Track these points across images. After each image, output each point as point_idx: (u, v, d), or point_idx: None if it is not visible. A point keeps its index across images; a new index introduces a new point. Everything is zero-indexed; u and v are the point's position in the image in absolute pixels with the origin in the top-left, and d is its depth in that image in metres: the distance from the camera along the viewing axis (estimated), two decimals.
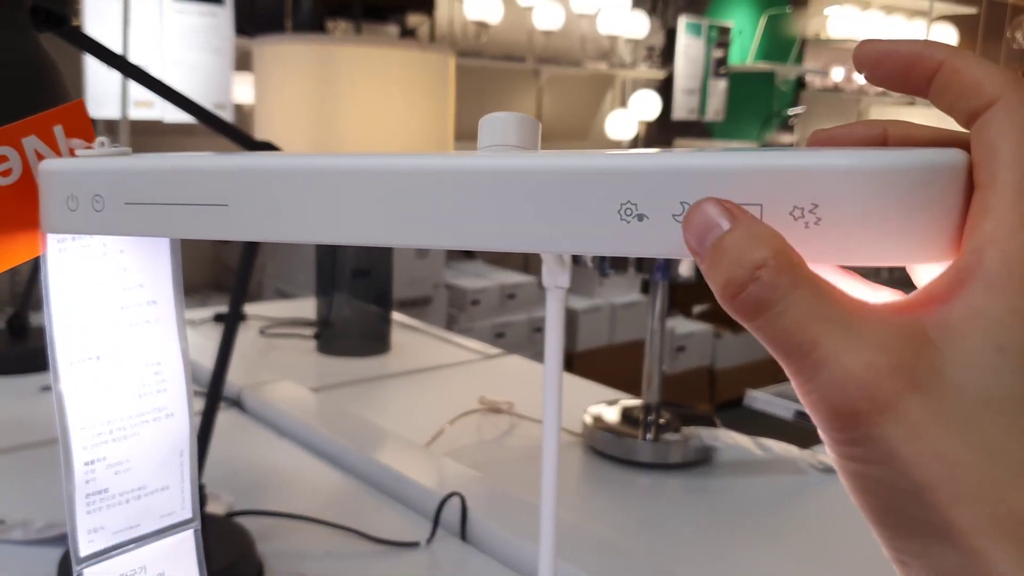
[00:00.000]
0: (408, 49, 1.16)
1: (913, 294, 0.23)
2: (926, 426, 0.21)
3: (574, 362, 3.23)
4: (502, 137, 0.28)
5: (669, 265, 0.89)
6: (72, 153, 0.31)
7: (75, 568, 0.32)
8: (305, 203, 0.26)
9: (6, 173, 0.30)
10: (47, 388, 1.08)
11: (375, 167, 0.26)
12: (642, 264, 0.90)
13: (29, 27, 0.51)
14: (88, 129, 0.32)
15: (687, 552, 0.76)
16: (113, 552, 0.33)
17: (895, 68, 0.24)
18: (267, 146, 0.72)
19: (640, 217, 0.24)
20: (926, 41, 0.24)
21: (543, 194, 0.24)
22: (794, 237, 0.22)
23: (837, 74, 4.97)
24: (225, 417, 0.99)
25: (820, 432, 0.23)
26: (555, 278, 0.46)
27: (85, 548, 0.32)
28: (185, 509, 0.35)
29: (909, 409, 0.21)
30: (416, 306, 2.78)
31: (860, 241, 0.22)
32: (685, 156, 0.23)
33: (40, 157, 0.31)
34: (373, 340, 1.31)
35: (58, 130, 0.31)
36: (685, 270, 0.89)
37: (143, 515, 0.33)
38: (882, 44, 0.24)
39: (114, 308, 0.32)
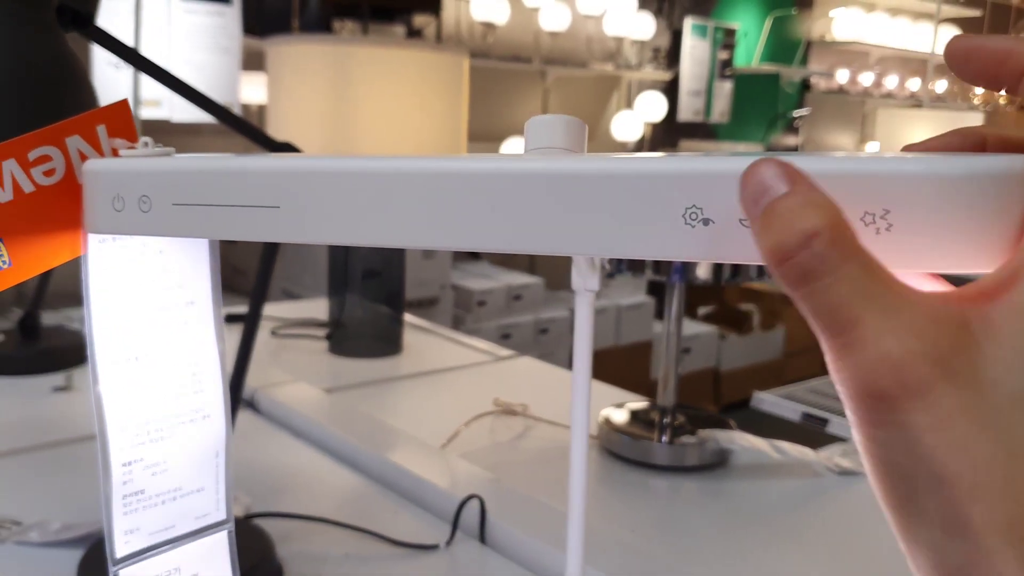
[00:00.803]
0: (422, 50, 1.15)
1: (964, 286, 0.23)
2: (954, 418, 0.21)
3: None
4: (549, 140, 0.28)
5: (687, 267, 0.89)
6: (115, 153, 0.31)
7: (111, 569, 0.32)
8: (361, 205, 0.26)
9: (50, 173, 0.30)
10: (59, 388, 1.08)
11: (434, 170, 0.25)
12: (659, 265, 0.90)
13: (56, 27, 0.51)
14: (131, 129, 0.31)
15: (706, 554, 0.76)
16: (149, 553, 0.33)
17: (986, 65, 0.24)
18: (287, 147, 0.72)
19: (705, 222, 0.23)
20: (1018, 37, 0.24)
21: (608, 198, 0.24)
22: (866, 243, 0.22)
23: (842, 76, 4.97)
24: (239, 418, 0.99)
25: (847, 410, 0.23)
26: (585, 281, 0.46)
27: (121, 549, 0.32)
28: (220, 511, 0.34)
29: (939, 399, 0.21)
30: (422, 307, 2.78)
31: (932, 247, 0.22)
32: (747, 161, 0.23)
33: (83, 157, 0.31)
34: (385, 341, 1.31)
35: (101, 130, 0.31)
36: (703, 272, 0.89)
37: (178, 516, 0.33)
38: (973, 40, 0.24)
39: (153, 309, 0.32)
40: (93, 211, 0.31)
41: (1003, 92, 0.24)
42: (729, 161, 0.23)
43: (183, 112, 2.19)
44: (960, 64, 0.24)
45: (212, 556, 0.34)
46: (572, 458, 0.53)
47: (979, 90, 5.50)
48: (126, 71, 1.70)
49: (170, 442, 0.33)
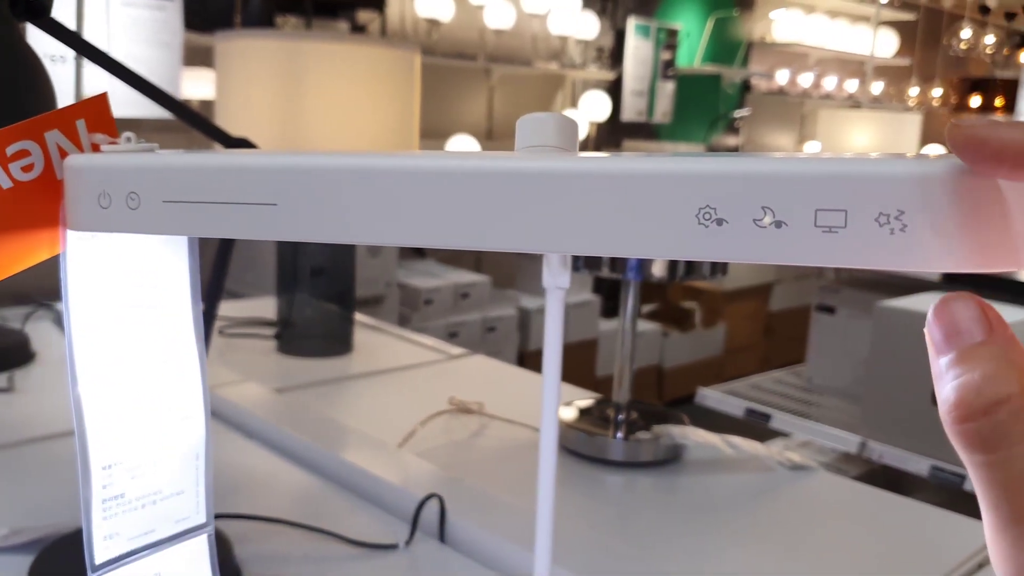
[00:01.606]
0: (374, 46, 1.15)
1: None
2: None
3: (526, 361, 3.24)
4: (542, 138, 0.27)
5: (642, 264, 0.89)
6: (96, 148, 0.30)
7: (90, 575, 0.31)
8: (363, 204, 0.26)
9: (28, 168, 0.29)
10: (1, 390, 1.05)
11: (443, 168, 0.25)
12: (615, 262, 0.91)
13: (11, 19, 0.49)
14: (110, 124, 0.31)
15: (663, 549, 0.77)
16: (128, 558, 0.32)
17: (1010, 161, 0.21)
18: (243, 143, 0.71)
19: (719, 222, 0.23)
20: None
21: (620, 198, 0.24)
22: (879, 244, 0.22)
23: (782, 77, 5.04)
24: None
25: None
26: (556, 278, 0.46)
27: (101, 555, 0.31)
28: (199, 514, 0.34)
29: None
30: (368, 305, 2.75)
31: (948, 248, 0.22)
32: (768, 161, 0.23)
33: (63, 153, 0.30)
34: (335, 340, 1.30)
35: (81, 124, 0.30)
36: (658, 270, 0.90)
37: (158, 520, 0.33)
38: (984, 131, 0.21)
39: (132, 308, 0.31)
40: (77, 208, 0.30)
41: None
42: (743, 161, 0.23)
43: (125, 107, 2.14)
44: (976, 160, 0.21)
45: (192, 560, 0.34)
46: (541, 455, 0.53)
47: (913, 91, 5.63)
48: (68, 65, 1.66)
49: (151, 444, 0.32)
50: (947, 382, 0.20)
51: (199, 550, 0.34)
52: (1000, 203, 0.22)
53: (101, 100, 0.30)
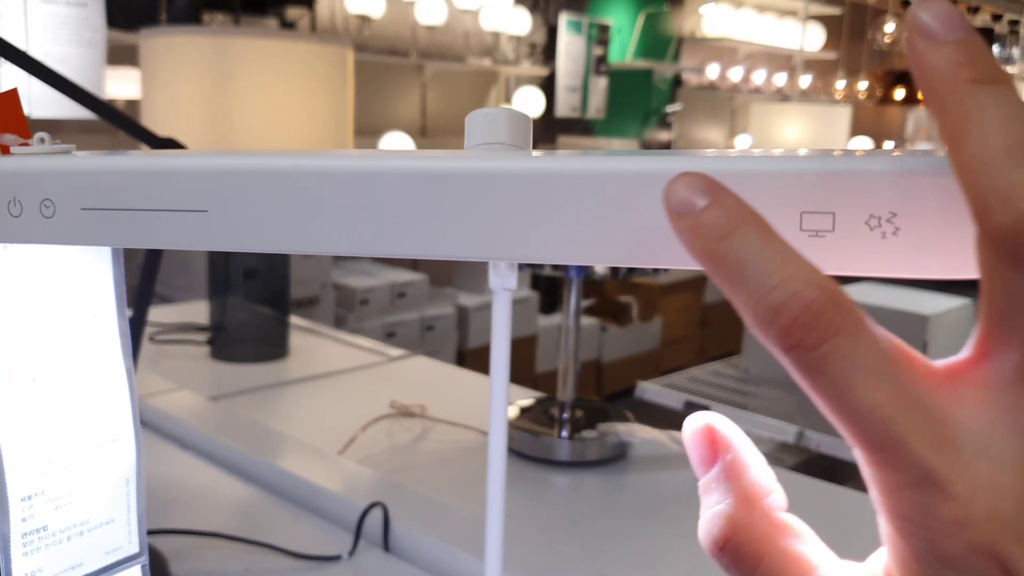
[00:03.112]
0: (306, 42, 1.12)
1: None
2: None
3: (466, 360, 3.22)
4: (493, 135, 0.26)
5: None
6: (5, 150, 0.28)
7: None
8: (303, 209, 0.23)
9: None
10: None
11: (395, 169, 0.23)
12: None
13: None
14: (22, 124, 0.28)
15: (611, 549, 0.76)
16: None
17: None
18: (171, 143, 0.68)
19: None
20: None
21: (581, 200, 0.22)
22: (870, 249, 0.21)
23: (712, 71, 5.10)
24: None
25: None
26: (503, 280, 0.45)
27: None
28: (132, 543, 0.31)
29: None
30: (303, 307, 2.71)
31: (942, 251, 0.21)
32: (748, 160, 0.21)
33: None
34: (271, 344, 1.27)
35: None
36: (600, 268, 0.89)
37: (86, 553, 0.30)
38: (924, 46, 0.19)
39: (51, 323, 0.29)
40: None
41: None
42: (721, 160, 0.21)
43: (45, 108, 2.07)
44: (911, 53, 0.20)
45: None
46: (490, 461, 0.51)
47: (840, 85, 5.74)
48: None
49: (75, 471, 0.30)
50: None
51: None
52: None
53: (11, 97, 0.28)
